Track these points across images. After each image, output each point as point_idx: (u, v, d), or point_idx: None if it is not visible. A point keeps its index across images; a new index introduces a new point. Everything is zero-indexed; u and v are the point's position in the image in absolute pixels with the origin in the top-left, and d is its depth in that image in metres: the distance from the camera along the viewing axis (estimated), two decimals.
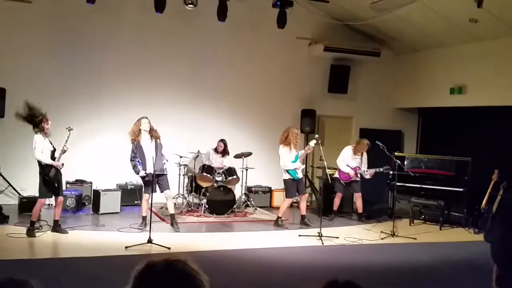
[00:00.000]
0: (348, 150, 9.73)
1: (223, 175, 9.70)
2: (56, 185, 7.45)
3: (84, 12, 9.64)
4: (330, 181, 8.80)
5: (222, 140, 10.18)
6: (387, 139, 9.74)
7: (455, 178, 9.81)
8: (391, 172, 9.21)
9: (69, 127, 7.44)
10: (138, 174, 7.98)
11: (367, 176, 9.54)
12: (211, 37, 10.73)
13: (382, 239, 8.24)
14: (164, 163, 8.13)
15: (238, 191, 10.30)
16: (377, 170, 9.38)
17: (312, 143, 8.63)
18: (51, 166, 7.25)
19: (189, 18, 10.22)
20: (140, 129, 8.03)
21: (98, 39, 10.00)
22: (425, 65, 11.48)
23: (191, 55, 10.71)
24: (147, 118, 8.13)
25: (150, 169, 7.79)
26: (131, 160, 8.01)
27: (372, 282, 5.53)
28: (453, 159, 10.08)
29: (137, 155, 7.96)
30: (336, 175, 9.74)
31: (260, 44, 11.20)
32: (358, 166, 9.58)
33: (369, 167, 9.60)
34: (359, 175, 9.59)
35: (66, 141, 7.33)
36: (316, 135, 8.86)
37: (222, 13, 8.92)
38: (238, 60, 11.12)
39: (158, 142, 8.13)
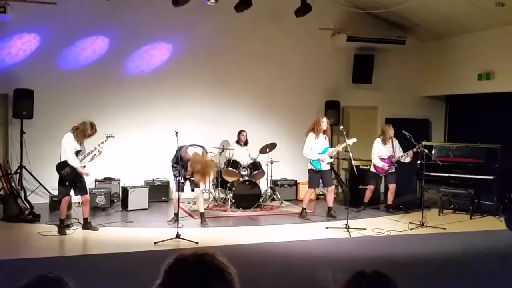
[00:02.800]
0: (377, 143, 9.59)
1: (248, 169, 9.72)
2: (70, 184, 7.49)
3: (108, 11, 9.75)
4: (356, 172, 8.71)
5: (243, 130, 10.22)
6: (414, 128, 9.63)
7: (485, 166, 9.62)
8: (423, 148, 8.86)
9: (110, 135, 7.53)
10: (176, 177, 7.90)
11: (407, 160, 9.35)
12: (232, 30, 10.73)
13: (411, 229, 8.14)
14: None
15: (264, 184, 10.31)
16: (414, 150, 9.12)
17: (351, 141, 8.46)
18: (65, 165, 7.34)
19: (209, 12, 10.23)
20: None
21: (122, 37, 10.11)
22: (452, 51, 11.25)
23: (212, 50, 10.71)
24: None
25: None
26: (174, 165, 7.97)
27: (401, 273, 5.46)
28: (482, 146, 9.89)
29: (179, 162, 7.81)
30: (372, 169, 9.64)
31: (282, 36, 11.14)
32: (391, 155, 9.47)
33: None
34: (395, 164, 9.44)
35: (100, 145, 7.42)
36: (341, 127, 8.77)
37: (243, 4, 8.88)
38: (260, 53, 11.08)
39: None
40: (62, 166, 7.36)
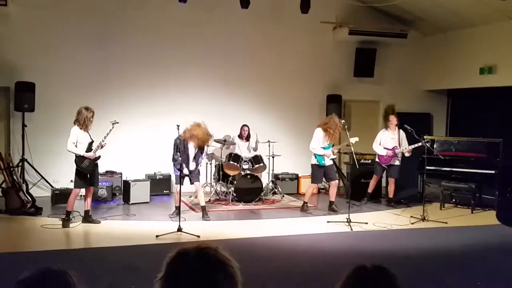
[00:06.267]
0: (381, 132, 9.63)
1: (249, 163, 9.72)
2: (89, 176, 7.57)
3: (110, 6, 9.74)
4: (357, 166, 8.70)
5: (246, 125, 10.21)
6: (415, 122, 9.61)
7: (487, 160, 9.61)
8: (428, 144, 8.77)
9: (114, 121, 7.55)
10: (182, 171, 7.80)
11: (407, 154, 9.32)
12: (234, 25, 10.70)
13: (412, 224, 8.15)
14: (200, 163, 8.35)
15: (265, 178, 10.32)
16: (415, 146, 9.09)
17: (353, 140, 8.48)
18: (83, 158, 7.40)
19: (211, 7, 10.21)
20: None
21: (125, 32, 10.08)
22: (454, 45, 11.22)
23: (214, 45, 10.69)
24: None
25: (190, 167, 8.08)
26: (174, 159, 7.96)
27: (402, 267, 5.48)
28: (484, 140, 9.87)
29: (180, 151, 7.83)
30: (377, 159, 9.62)
31: (284, 30, 11.11)
32: (395, 146, 9.43)
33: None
34: (399, 155, 9.41)
35: (107, 134, 7.45)
36: (343, 121, 8.76)
37: (245, 0, 8.87)
38: (262, 48, 11.06)
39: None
40: (81, 159, 7.40)
